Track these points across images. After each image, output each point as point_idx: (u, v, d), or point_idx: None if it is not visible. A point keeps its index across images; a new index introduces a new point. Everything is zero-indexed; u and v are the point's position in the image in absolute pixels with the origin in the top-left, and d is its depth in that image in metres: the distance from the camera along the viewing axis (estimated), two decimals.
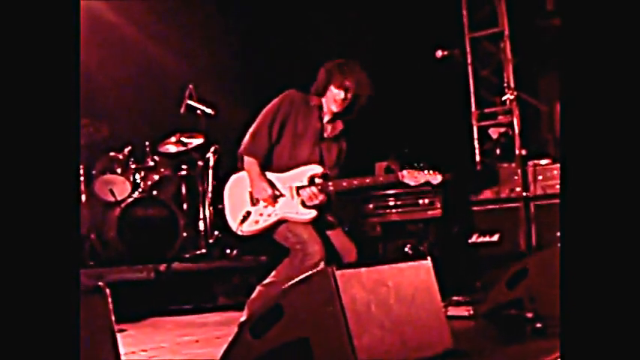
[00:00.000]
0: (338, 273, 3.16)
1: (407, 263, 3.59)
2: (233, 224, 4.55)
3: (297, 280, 3.29)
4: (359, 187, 4.49)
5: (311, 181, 4.48)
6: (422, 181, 4.46)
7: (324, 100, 4.59)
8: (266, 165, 4.57)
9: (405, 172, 4.46)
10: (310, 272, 3.28)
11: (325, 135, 4.62)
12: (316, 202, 4.43)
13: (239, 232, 4.53)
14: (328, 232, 4.54)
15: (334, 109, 4.55)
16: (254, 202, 4.53)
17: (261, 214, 4.50)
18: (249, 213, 4.50)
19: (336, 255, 4.49)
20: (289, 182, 4.51)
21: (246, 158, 4.56)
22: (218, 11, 8.57)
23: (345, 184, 4.47)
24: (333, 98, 4.51)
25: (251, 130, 4.57)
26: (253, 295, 4.52)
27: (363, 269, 3.32)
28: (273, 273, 4.51)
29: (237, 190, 4.61)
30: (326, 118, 4.62)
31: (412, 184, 4.48)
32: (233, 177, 4.67)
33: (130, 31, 8.11)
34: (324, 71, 4.56)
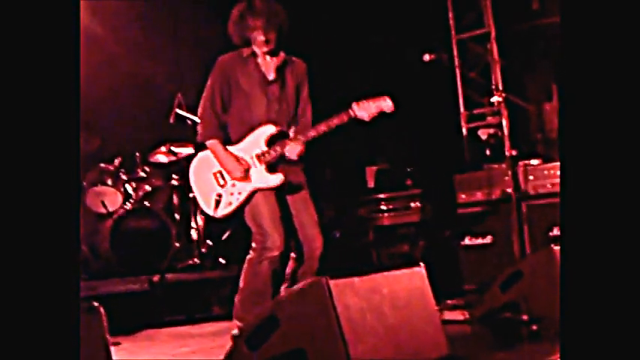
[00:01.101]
0: (332, 282, 3.16)
1: (400, 270, 3.59)
2: (208, 210, 4.54)
3: (291, 290, 3.30)
4: (318, 136, 4.39)
5: (270, 143, 4.46)
6: (374, 110, 4.34)
7: (254, 46, 4.51)
8: (228, 139, 4.53)
9: (354, 105, 4.35)
10: (304, 283, 3.29)
11: (271, 77, 4.53)
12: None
13: (216, 216, 4.53)
14: (293, 204, 4.52)
15: (265, 50, 4.46)
16: (221, 183, 4.52)
17: (232, 194, 4.49)
18: (220, 195, 4.50)
19: (299, 246, 4.49)
20: (249, 151, 4.48)
21: (207, 143, 4.52)
22: (207, 20, 8.55)
23: (301, 137, 4.42)
24: (256, 43, 4.45)
25: (199, 113, 4.55)
26: (235, 306, 4.53)
27: (356, 278, 3.32)
28: (242, 277, 4.51)
29: (202, 174, 4.59)
30: (266, 61, 4.53)
31: (366, 117, 4.35)
32: (193, 164, 4.65)
33: (119, 41, 8.10)
34: (233, 23, 4.49)
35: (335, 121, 4.38)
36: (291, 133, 4.50)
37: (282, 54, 4.57)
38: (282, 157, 4.46)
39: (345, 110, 4.37)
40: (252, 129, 4.49)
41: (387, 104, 4.37)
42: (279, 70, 4.55)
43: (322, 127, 4.39)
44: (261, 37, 4.41)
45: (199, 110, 4.56)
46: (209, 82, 4.55)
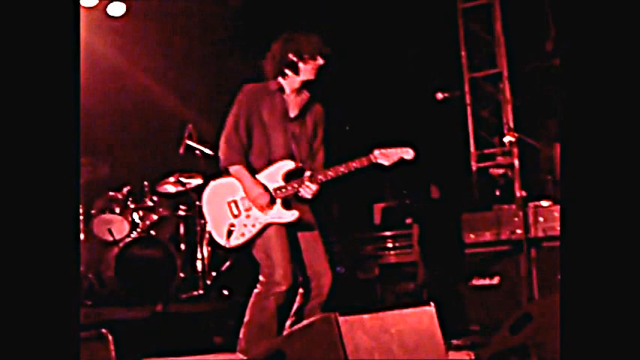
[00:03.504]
0: (341, 319, 3.13)
1: (410, 309, 3.54)
2: (220, 239, 4.49)
3: (299, 325, 3.26)
4: (336, 177, 4.39)
5: (287, 178, 4.44)
6: (395, 158, 4.38)
7: (282, 81, 4.52)
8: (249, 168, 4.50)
9: (376, 152, 4.38)
10: (313, 318, 3.25)
11: (292, 115, 4.53)
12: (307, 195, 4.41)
13: (227, 247, 4.49)
14: (303, 240, 4.49)
15: (307, 77, 4.47)
16: (235, 213, 4.48)
17: (245, 225, 4.44)
18: (233, 226, 4.46)
19: (306, 282, 4.46)
20: (266, 184, 4.45)
21: (231, 169, 4.48)
22: (217, 51, 8.60)
23: (321, 176, 4.40)
24: (307, 71, 4.45)
25: (222, 140, 4.49)
26: (240, 337, 4.49)
27: (365, 315, 3.28)
28: (247, 311, 4.47)
29: (215, 203, 4.54)
30: (290, 98, 4.53)
31: (386, 163, 4.38)
32: (206, 191, 4.61)
33: (130, 70, 8.13)
34: (277, 54, 4.50)
35: (355, 165, 4.39)
36: (307, 172, 4.45)
37: (306, 93, 4.58)
38: (295, 195, 4.45)
39: (366, 155, 4.39)
40: (270, 162, 4.48)
41: (409, 154, 4.41)
42: (302, 109, 4.56)
43: (341, 169, 4.39)
44: (319, 62, 4.43)
45: (223, 135, 4.50)
46: (234, 109, 4.51)
